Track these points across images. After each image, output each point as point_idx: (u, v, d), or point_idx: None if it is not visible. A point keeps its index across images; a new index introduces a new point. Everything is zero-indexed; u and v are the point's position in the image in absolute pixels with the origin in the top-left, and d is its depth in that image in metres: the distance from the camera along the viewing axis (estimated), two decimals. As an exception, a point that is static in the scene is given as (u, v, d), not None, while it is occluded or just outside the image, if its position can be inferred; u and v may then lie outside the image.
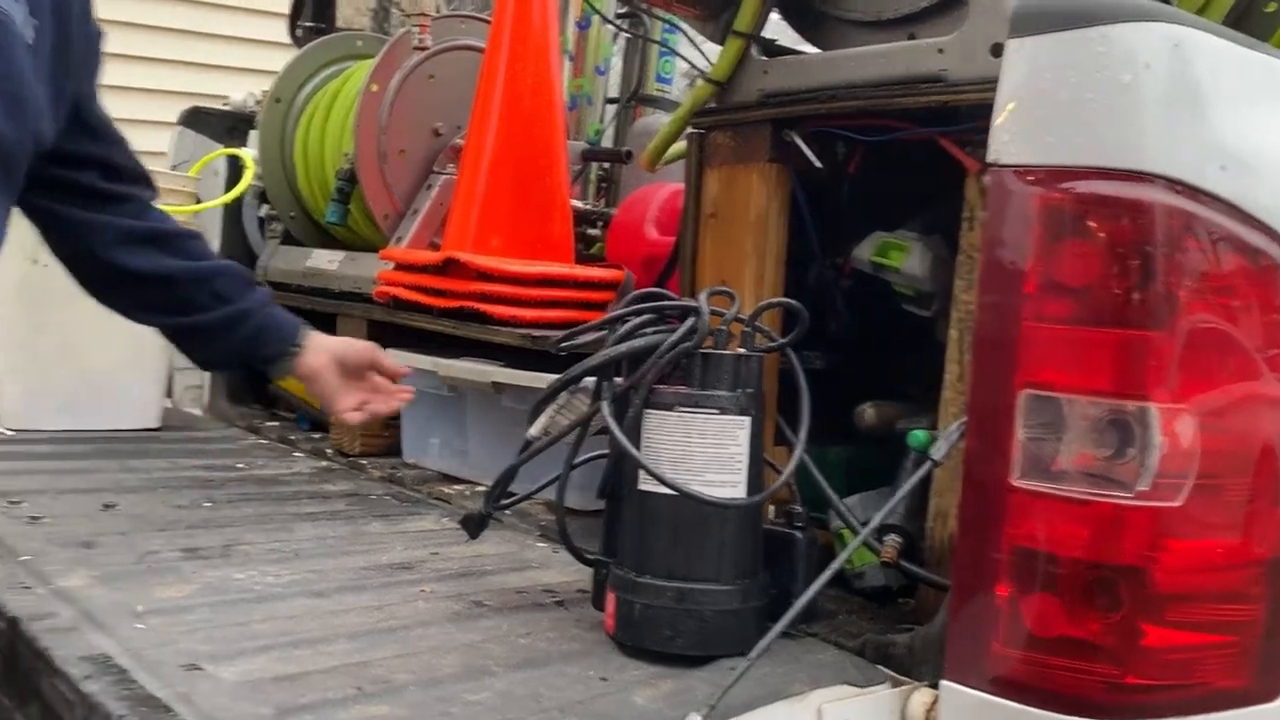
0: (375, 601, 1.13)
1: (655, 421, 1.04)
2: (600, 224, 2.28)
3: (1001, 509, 0.96)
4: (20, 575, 1.09)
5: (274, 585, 1.16)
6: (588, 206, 2.30)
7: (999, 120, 0.94)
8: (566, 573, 1.29)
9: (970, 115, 1.13)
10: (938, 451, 1.01)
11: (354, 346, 1.41)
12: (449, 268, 1.77)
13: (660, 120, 2.33)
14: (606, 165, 2.39)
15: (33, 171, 1.12)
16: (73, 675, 0.86)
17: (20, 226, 1.91)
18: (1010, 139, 0.91)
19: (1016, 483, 0.90)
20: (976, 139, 1.12)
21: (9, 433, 1.91)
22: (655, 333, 1.09)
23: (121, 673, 0.87)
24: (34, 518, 1.34)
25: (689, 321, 1.07)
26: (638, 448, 1.04)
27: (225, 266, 1.37)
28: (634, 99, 2.46)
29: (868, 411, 1.36)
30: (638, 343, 1.08)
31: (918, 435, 1.21)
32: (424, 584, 1.22)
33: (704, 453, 1.03)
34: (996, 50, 1.10)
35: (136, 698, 0.83)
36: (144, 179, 1.34)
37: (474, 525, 1.22)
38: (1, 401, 1.95)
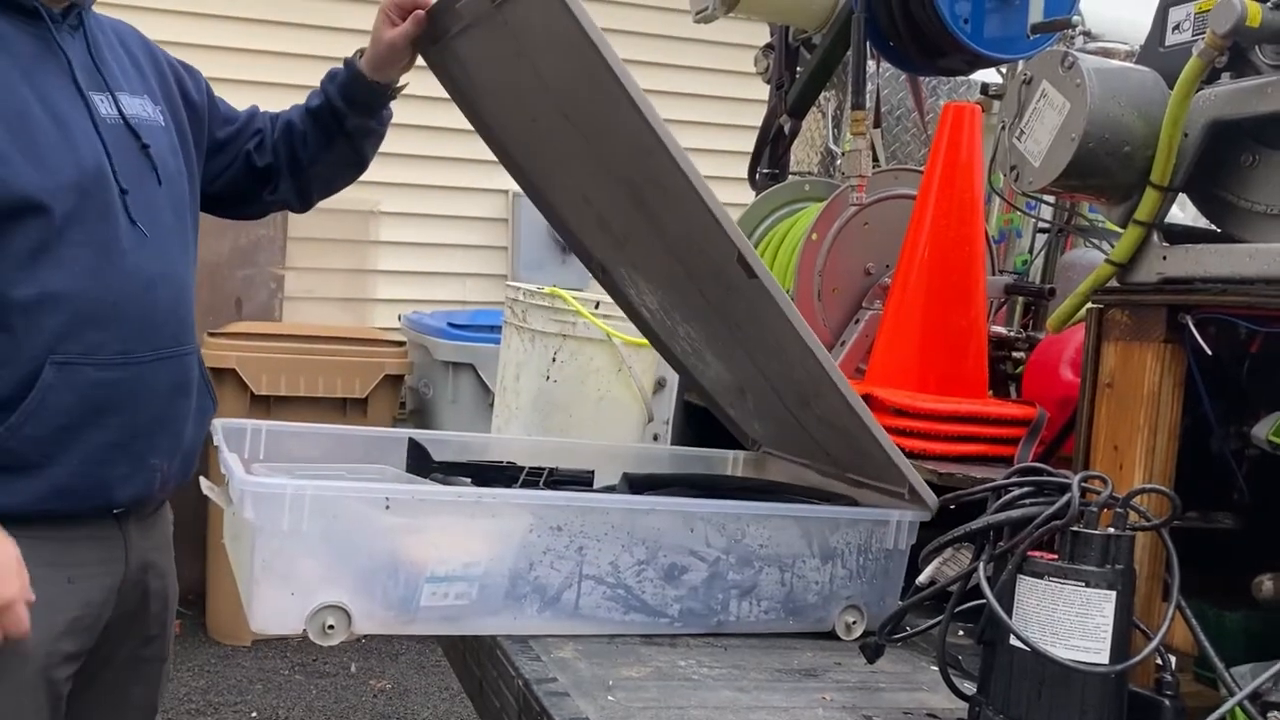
0: (784, 703, 1.39)
1: (1027, 586, 1.20)
2: (1025, 348, 2.41)
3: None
4: (532, 645, 1.48)
5: (707, 676, 1.45)
6: (1012, 333, 2.43)
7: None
8: (951, 699, 1.46)
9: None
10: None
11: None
12: (867, 401, 2.00)
13: (1089, 255, 2.41)
14: (1035, 289, 2.50)
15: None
16: (566, 731, 1.20)
17: (536, 352, 2.44)
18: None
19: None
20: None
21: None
22: (1034, 504, 1.25)
23: (598, 735, 1.20)
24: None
25: (1064, 499, 1.22)
26: (1011, 606, 1.21)
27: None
28: (1064, 229, 2.55)
29: (1265, 584, 1.39)
30: (1015, 513, 1.24)
31: (1308, 619, 1.25)
32: (825, 692, 1.45)
33: (1069, 620, 1.17)
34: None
35: (607, 756, 1.15)
36: (248, 112, 1.93)
37: (870, 652, 1.44)
38: (517, 488, 2.49)
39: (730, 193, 3.56)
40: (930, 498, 1.69)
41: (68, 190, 1.50)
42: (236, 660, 4.32)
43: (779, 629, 1.64)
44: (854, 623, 1.69)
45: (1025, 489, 1.27)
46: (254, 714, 3.88)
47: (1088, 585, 1.16)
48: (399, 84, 1.89)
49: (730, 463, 2.16)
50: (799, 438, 1.98)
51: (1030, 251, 2.57)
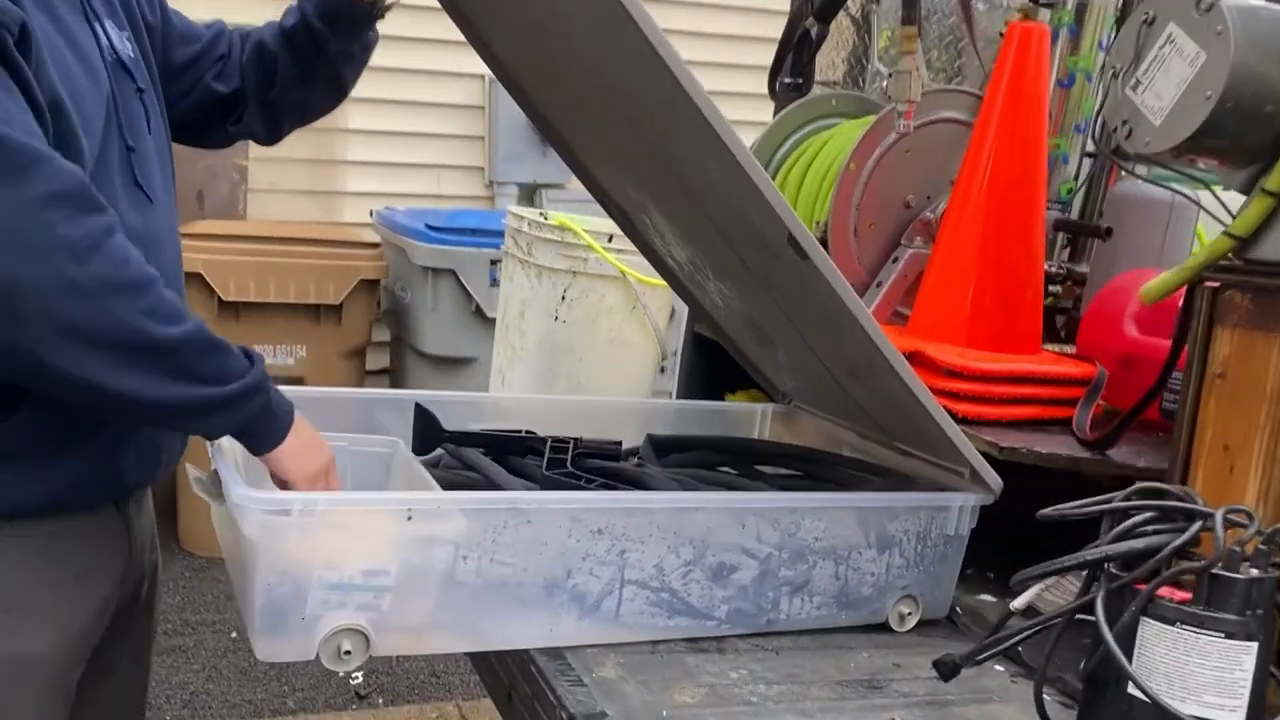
0: (853, 729, 1.26)
1: (1152, 631, 1.06)
2: (1065, 282, 2.26)
3: None
4: (570, 660, 1.32)
5: (765, 696, 1.31)
6: (1053, 268, 2.26)
7: None
8: (1026, 710, 1.34)
9: None
10: None
11: None
12: (914, 359, 1.83)
13: (1143, 188, 2.22)
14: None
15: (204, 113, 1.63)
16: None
17: (543, 289, 2.24)
18: None
19: None
20: None
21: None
22: (1157, 532, 1.10)
23: (662, 792, 1.06)
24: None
25: (1194, 529, 1.07)
26: (1131, 651, 1.07)
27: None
28: (1113, 155, 2.35)
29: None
30: (1138, 544, 1.09)
31: None
32: (894, 710, 1.32)
33: (1203, 674, 1.03)
34: None
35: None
36: (212, 32, 1.65)
37: (947, 670, 1.30)
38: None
39: (741, 109, 3.27)
40: (994, 480, 1.55)
41: (95, 142, 1.29)
42: (212, 574, 4.18)
43: (830, 624, 1.51)
44: (909, 614, 1.56)
45: (1147, 514, 1.11)
46: (234, 634, 3.77)
47: (1228, 636, 1.02)
48: (385, 3, 1.63)
49: (759, 417, 2.00)
50: (837, 398, 1.82)
51: (1075, 179, 2.37)
